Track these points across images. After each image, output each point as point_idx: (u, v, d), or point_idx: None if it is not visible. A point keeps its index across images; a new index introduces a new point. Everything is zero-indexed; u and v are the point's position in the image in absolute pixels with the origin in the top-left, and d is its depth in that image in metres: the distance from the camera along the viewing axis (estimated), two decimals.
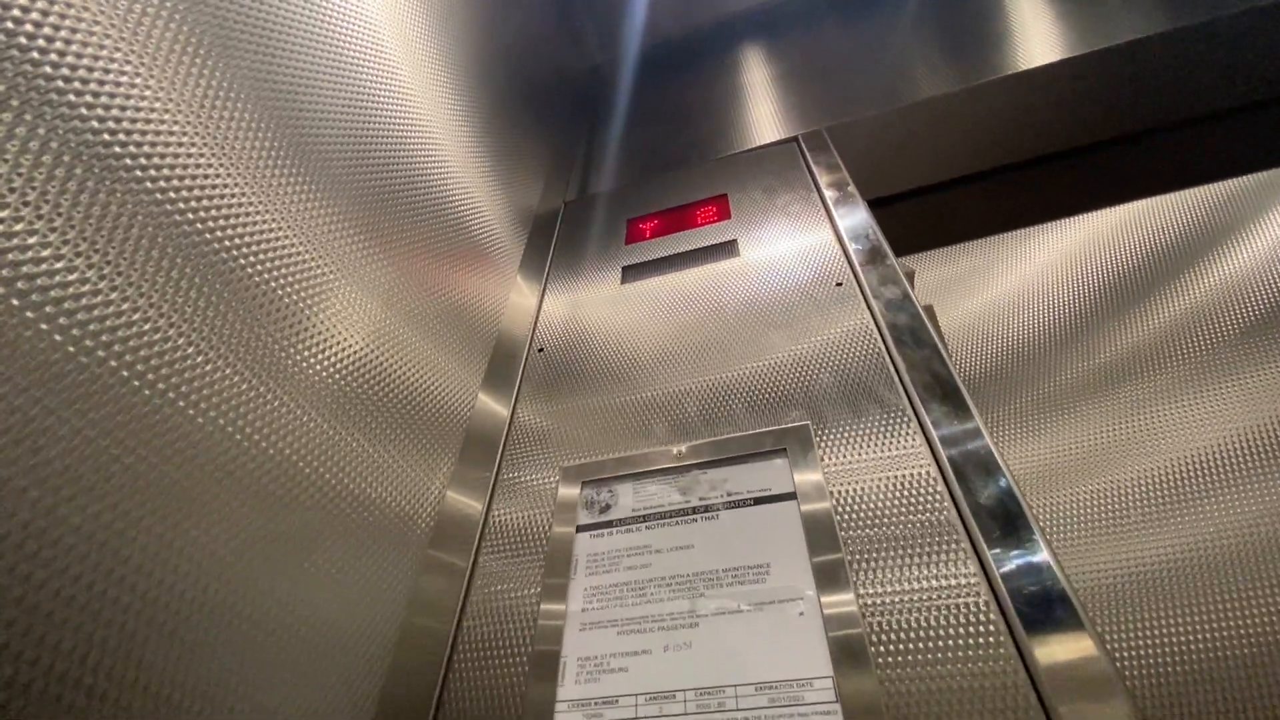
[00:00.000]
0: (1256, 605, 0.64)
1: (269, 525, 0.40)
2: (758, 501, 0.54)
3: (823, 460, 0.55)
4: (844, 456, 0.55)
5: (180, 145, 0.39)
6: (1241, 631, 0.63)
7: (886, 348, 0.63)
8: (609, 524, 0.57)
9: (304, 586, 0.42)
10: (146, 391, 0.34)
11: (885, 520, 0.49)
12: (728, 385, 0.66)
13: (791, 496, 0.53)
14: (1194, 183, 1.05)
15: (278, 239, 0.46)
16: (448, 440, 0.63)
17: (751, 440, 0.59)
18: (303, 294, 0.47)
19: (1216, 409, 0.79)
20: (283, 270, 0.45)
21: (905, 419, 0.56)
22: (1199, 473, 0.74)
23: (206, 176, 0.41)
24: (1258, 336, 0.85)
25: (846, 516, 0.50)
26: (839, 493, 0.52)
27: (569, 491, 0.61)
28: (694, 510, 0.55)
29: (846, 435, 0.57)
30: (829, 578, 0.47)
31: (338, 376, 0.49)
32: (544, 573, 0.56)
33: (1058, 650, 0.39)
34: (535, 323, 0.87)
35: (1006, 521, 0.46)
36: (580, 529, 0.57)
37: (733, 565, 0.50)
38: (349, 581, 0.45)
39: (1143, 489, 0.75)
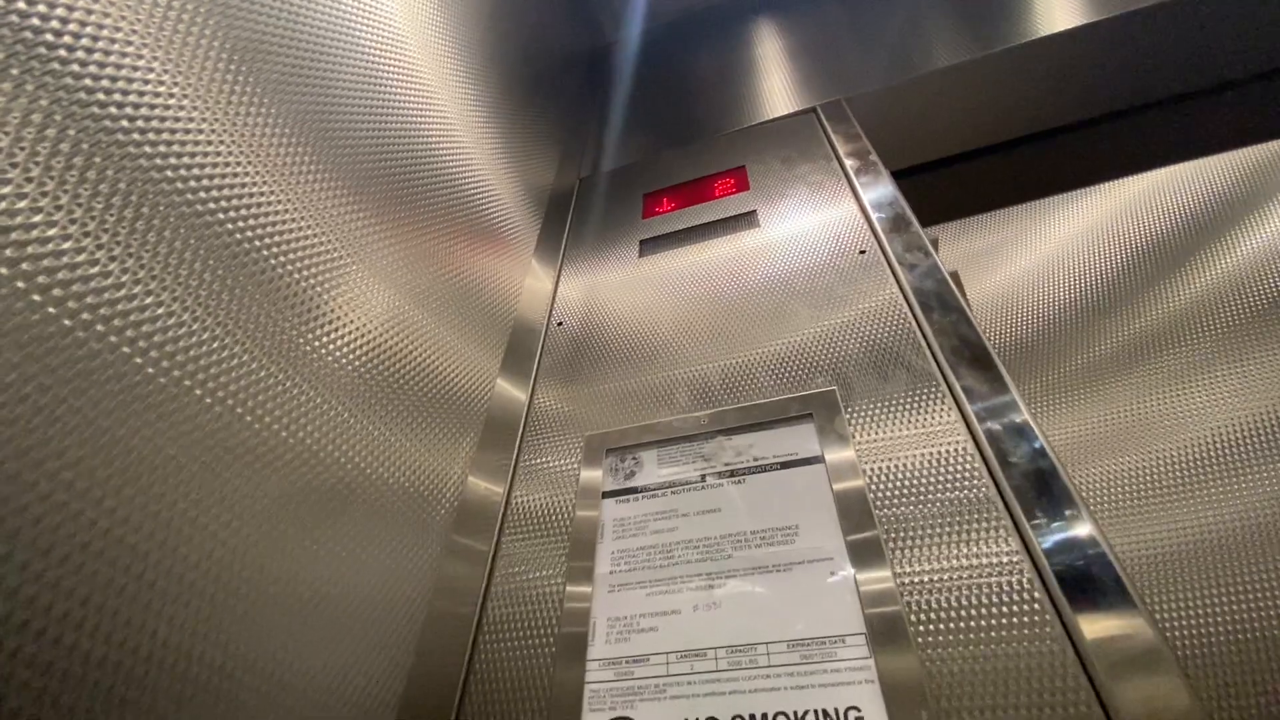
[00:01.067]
0: None
1: (291, 510, 0.40)
2: (784, 466, 0.53)
3: (854, 436, 0.54)
4: (876, 433, 0.53)
5: (192, 127, 0.39)
6: None
7: (913, 313, 0.62)
8: (634, 490, 0.57)
9: (330, 566, 0.42)
10: (162, 380, 0.33)
11: (922, 498, 0.48)
12: (751, 354, 0.66)
13: (819, 460, 0.53)
14: (1224, 148, 1.03)
15: (291, 222, 0.45)
16: (467, 425, 0.62)
17: (777, 406, 0.58)
18: (318, 278, 0.46)
19: (1254, 379, 0.77)
20: (297, 254, 0.45)
21: (936, 388, 0.55)
22: (1240, 444, 0.73)
23: (220, 159, 0.40)
24: None
25: (881, 494, 0.49)
26: (872, 470, 0.51)
27: (593, 459, 0.61)
28: (719, 475, 0.55)
29: (875, 405, 0.56)
30: (866, 555, 0.46)
31: (354, 362, 0.48)
32: (568, 555, 0.55)
33: (1106, 626, 0.38)
34: (553, 300, 0.87)
35: (1048, 496, 0.44)
36: (606, 495, 0.57)
37: (760, 528, 0.50)
38: (374, 565, 0.45)
39: (1184, 461, 0.74)
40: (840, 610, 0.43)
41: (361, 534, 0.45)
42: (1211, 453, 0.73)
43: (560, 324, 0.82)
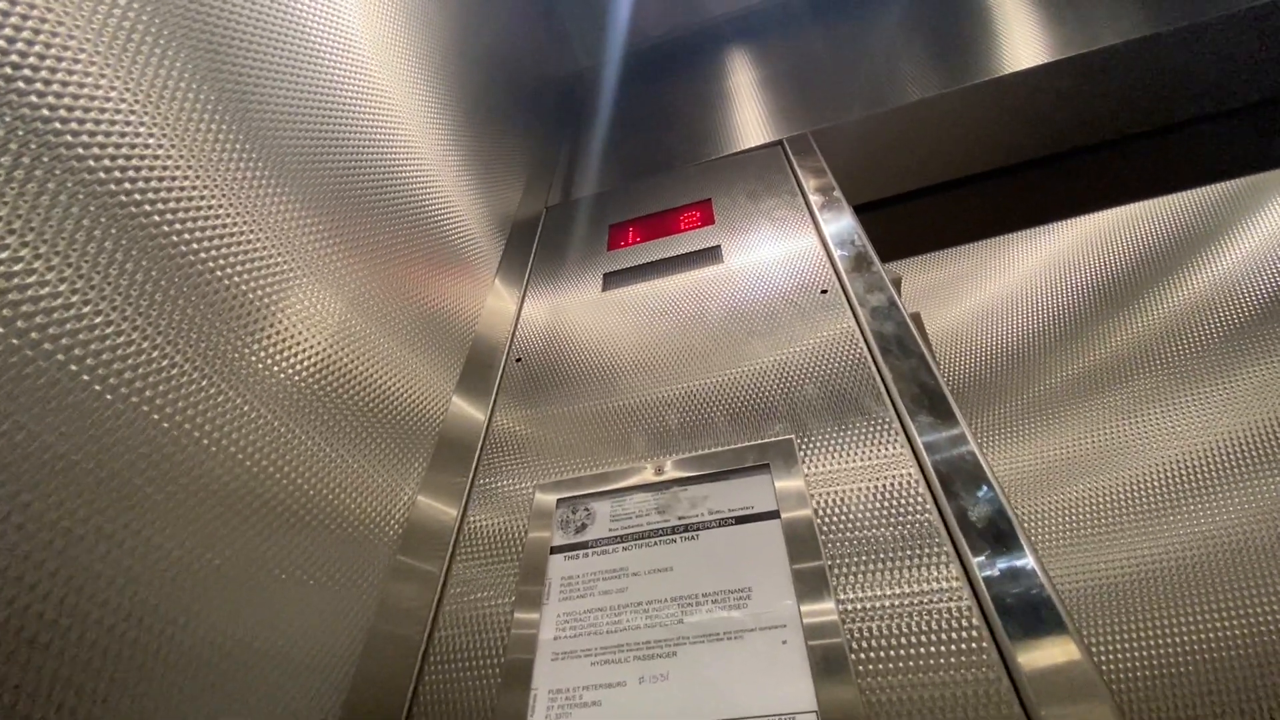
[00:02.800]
0: (1242, 609, 0.64)
1: (231, 529, 0.38)
2: (739, 520, 0.51)
3: (805, 470, 0.53)
4: (827, 464, 0.53)
5: (136, 135, 0.37)
6: (1226, 635, 0.63)
7: (873, 357, 0.61)
8: (584, 545, 0.54)
9: (265, 592, 0.40)
10: (102, 390, 0.32)
11: (867, 525, 0.48)
12: (709, 396, 0.64)
13: (774, 515, 0.51)
14: (1177, 188, 1.05)
15: (239, 233, 0.44)
16: (418, 445, 0.61)
17: (733, 455, 0.56)
18: (266, 291, 0.45)
19: (1201, 413, 0.78)
20: (245, 266, 0.44)
21: (891, 428, 0.54)
22: (1184, 477, 0.74)
23: (164, 167, 0.39)
24: (1241, 340, 0.84)
25: (828, 522, 0.49)
26: (820, 497, 0.51)
27: (544, 508, 0.58)
28: (673, 530, 0.53)
29: (830, 447, 0.55)
30: (809, 586, 0.46)
31: (300, 377, 0.47)
32: (518, 580, 0.54)
33: (1041, 655, 0.38)
34: (514, 330, 0.84)
35: (991, 527, 0.45)
36: (555, 550, 0.55)
37: (713, 589, 0.47)
38: (313, 587, 0.44)
39: (1128, 493, 0.75)
40: (791, 683, 0.41)
41: (303, 557, 0.43)
42: (1155, 485, 0.73)
43: (519, 360, 0.79)
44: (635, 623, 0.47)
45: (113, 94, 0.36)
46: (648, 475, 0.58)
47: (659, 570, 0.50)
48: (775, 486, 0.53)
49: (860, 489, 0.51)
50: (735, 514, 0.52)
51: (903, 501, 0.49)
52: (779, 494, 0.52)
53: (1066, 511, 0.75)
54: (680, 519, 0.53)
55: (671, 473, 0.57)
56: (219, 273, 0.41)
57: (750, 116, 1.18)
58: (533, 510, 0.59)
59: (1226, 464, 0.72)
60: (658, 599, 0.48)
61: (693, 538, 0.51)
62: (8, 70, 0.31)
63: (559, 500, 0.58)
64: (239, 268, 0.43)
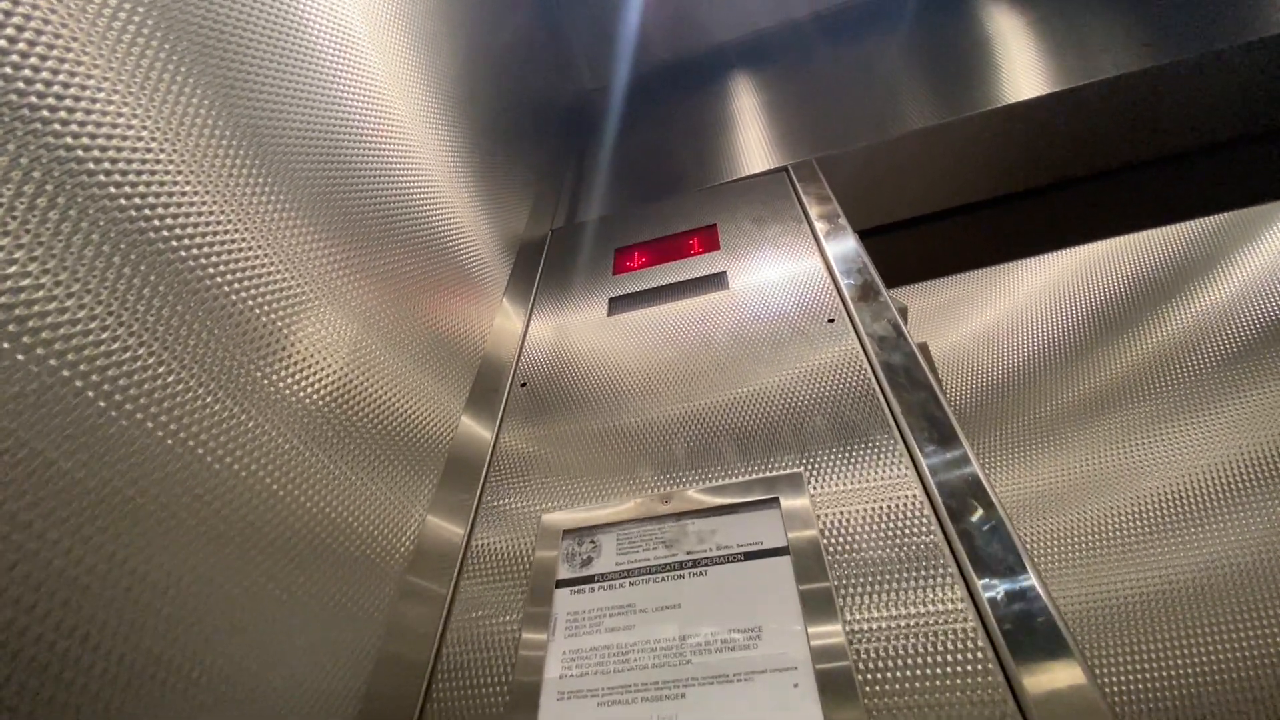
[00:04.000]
0: (1245, 633, 0.63)
1: (244, 551, 0.38)
2: (748, 556, 0.51)
3: (812, 491, 0.54)
4: (834, 487, 0.54)
5: (157, 164, 0.37)
6: (1229, 659, 0.62)
7: (881, 389, 0.61)
8: (591, 579, 0.53)
9: (277, 614, 0.39)
10: (115, 414, 0.32)
11: (873, 547, 0.49)
12: (716, 426, 0.64)
13: (784, 551, 0.50)
14: (1175, 219, 1.06)
15: (254, 258, 0.44)
16: (429, 464, 0.61)
17: (741, 488, 0.56)
18: (281, 315, 0.45)
19: (1201, 438, 0.78)
20: (260, 290, 0.44)
21: (899, 459, 0.54)
22: (1184, 501, 0.74)
23: (183, 193, 0.39)
24: (1239, 365, 0.85)
25: (834, 545, 0.49)
26: (827, 519, 0.51)
27: (551, 537, 0.58)
28: (681, 565, 0.52)
29: (839, 479, 0.54)
30: (816, 606, 0.46)
31: (318, 400, 0.47)
32: (526, 600, 0.54)
33: (1045, 678, 0.38)
34: (519, 354, 0.84)
35: (995, 548, 0.45)
36: (561, 584, 0.54)
37: (722, 629, 0.47)
38: (324, 609, 0.43)
39: (1130, 516, 0.75)
40: None
41: (317, 580, 0.43)
42: (1156, 508, 0.73)
43: (524, 385, 0.79)
44: (643, 662, 0.47)
45: (134, 123, 0.37)
46: (655, 507, 0.57)
47: (667, 607, 0.49)
48: (785, 521, 0.52)
49: (866, 511, 0.51)
50: (744, 549, 0.51)
51: (908, 524, 0.49)
52: (789, 529, 0.52)
53: (1068, 534, 0.75)
54: (688, 553, 0.53)
55: (679, 505, 0.57)
56: (233, 295, 0.41)
57: (755, 141, 1.19)
58: (539, 531, 0.59)
59: (1227, 489, 0.72)
60: (666, 638, 0.47)
61: (701, 573, 0.51)
62: (32, 99, 0.31)
63: (565, 531, 0.58)
64: (256, 293, 0.43)
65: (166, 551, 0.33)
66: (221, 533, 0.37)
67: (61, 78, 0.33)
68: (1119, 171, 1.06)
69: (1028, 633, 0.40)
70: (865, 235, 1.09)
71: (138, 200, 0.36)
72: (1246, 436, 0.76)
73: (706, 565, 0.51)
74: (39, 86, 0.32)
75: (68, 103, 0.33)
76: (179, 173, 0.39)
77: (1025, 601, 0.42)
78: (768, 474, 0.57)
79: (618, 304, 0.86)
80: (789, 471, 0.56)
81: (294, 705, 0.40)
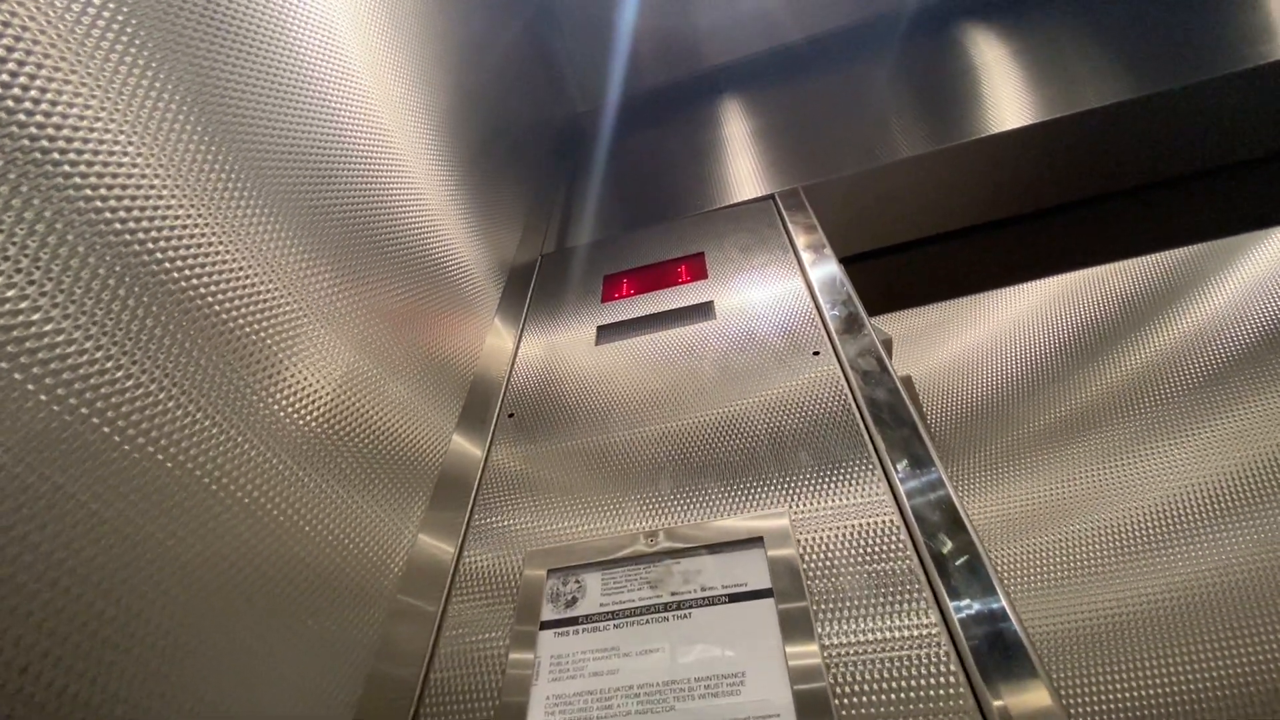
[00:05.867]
0: (1211, 656, 0.64)
1: (239, 573, 0.38)
2: (732, 599, 0.51)
3: (794, 525, 0.55)
4: (816, 521, 0.55)
5: (141, 178, 0.38)
6: (1198, 681, 0.63)
7: (864, 423, 0.62)
8: (574, 620, 0.53)
9: (269, 634, 0.39)
10: (109, 431, 0.32)
11: (849, 571, 0.50)
12: (703, 462, 0.64)
13: (768, 593, 0.50)
14: (1152, 249, 1.08)
15: (248, 279, 0.44)
16: (420, 484, 0.62)
17: (726, 529, 0.56)
18: (274, 336, 0.46)
19: (1173, 461, 0.80)
20: (254, 311, 0.44)
21: (880, 491, 0.55)
22: (1156, 524, 0.75)
23: (175, 214, 0.39)
24: (1212, 390, 0.86)
25: (814, 572, 0.51)
26: (809, 553, 0.52)
27: (534, 578, 0.58)
28: (665, 607, 0.52)
29: (822, 514, 0.55)
30: (794, 627, 0.47)
31: (311, 421, 0.47)
32: (514, 620, 0.54)
33: (1013, 700, 0.40)
34: (507, 381, 0.84)
35: (968, 572, 0.47)
36: (545, 625, 0.54)
37: (706, 674, 0.47)
38: (316, 630, 0.43)
39: (1102, 539, 0.76)
40: None
41: (309, 602, 0.43)
42: (1128, 532, 0.74)
43: (512, 415, 0.79)
44: (626, 708, 0.46)
45: (121, 140, 0.37)
46: (640, 546, 0.57)
47: (650, 651, 0.49)
48: (769, 563, 0.52)
49: (845, 539, 0.53)
50: (728, 591, 0.51)
51: (885, 551, 0.51)
52: (772, 569, 0.52)
53: (1043, 556, 0.76)
54: (673, 594, 0.53)
55: (664, 543, 0.57)
56: (226, 316, 0.42)
57: (744, 168, 1.20)
58: (525, 560, 0.59)
59: (1198, 511, 0.73)
60: (649, 683, 0.47)
61: (685, 616, 0.51)
62: (14, 129, 0.31)
63: (549, 570, 0.58)
64: (249, 313, 0.44)
65: (164, 579, 0.33)
66: (213, 556, 0.36)
67: (45, 104, 0.33)
68: (1100, 200, 1.08)
69: (998, 655, 0.42)
70: (851, 262, 1.11)
71: (122, 214, 0.36)
72: (1219, 460, 0.77)
73: (691, 607, 0.51)
74: (27, 104, 0.32)
75: (54, 120, 0.33)
76: (165, 187, 0.39)
77: (995, 624, 0.43)
78: (752, 513, 0.57)
79: (605, 332, 0.87)
80: (773, 512, 0.56)
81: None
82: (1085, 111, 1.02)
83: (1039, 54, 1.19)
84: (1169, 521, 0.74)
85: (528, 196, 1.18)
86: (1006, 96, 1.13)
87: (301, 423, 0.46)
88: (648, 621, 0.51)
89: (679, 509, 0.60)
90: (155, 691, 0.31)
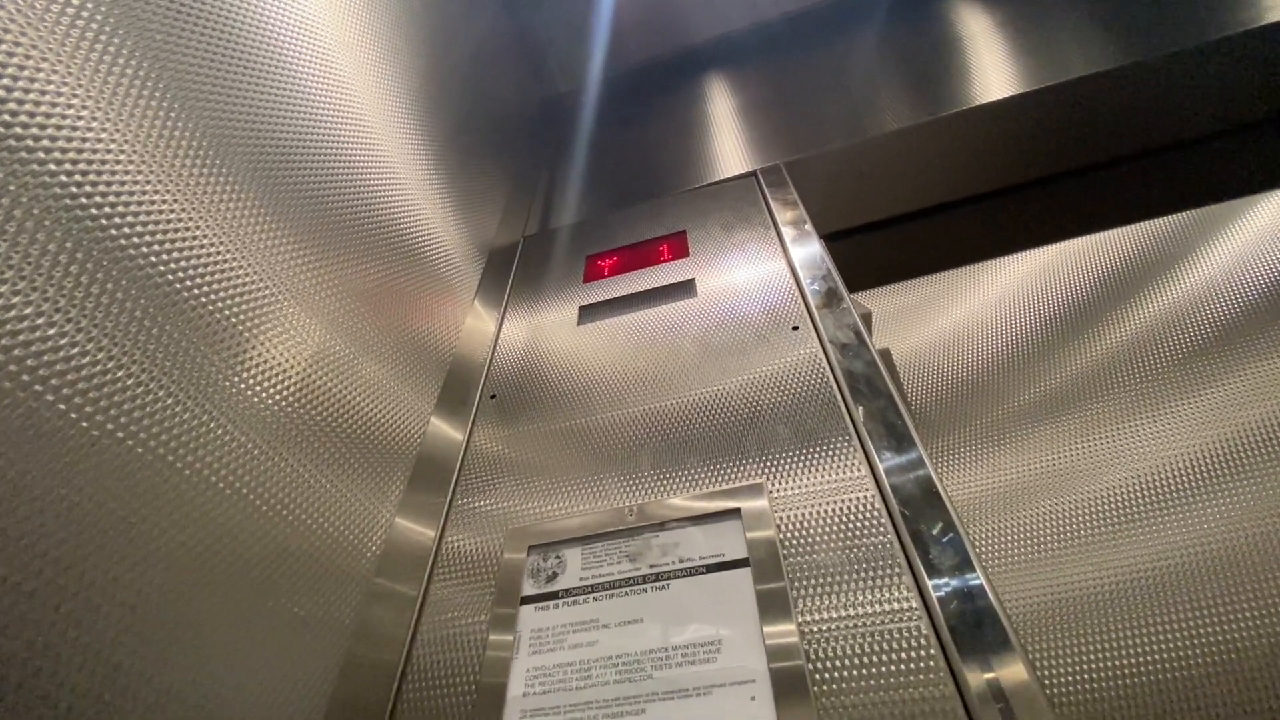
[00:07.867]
0: (1188, 628, 0.65)
1: (212, 554, 0.38)
2: (709, 569, 0.51)
3: (770, 492, 0.55)
4: (792, 488, 0.56)
5: (111, 158, 0.37)
6: (1176, 654, 0.64)
7: (842, 396, 0.62)
8: (555, 595, 0.54)
9: (242, 619, 0.39)
10: (75, 415, 0.32)
11: (828, 548, 0.50)
12: (683, 437, 0.64)
13: (745, 563, 0.51)
14: (1137, 218, 1.08)
15: (217, 255, 0.44)
16: (397, 466, 0.61)
17: (704, 499, 0.56)
18: (240, 311, 0.45)
19: (1155, 435, 0.80)
20: (223, 290, 0.44)
21: (856, 462, 0.56)
22: (1137, 498, 0.75)
23: (142, 190, 0.39)
24: (1196, 363, 0.87)
25: (791, 546, 0.51)
26: (785, 523, 0.53)
27: (516, 546, 0.58)
28: (644, 579, 0.52)
29: (798, 485, 0.56)
30: (772, 606, 0.47)
31: (281, 401, 0.47)
32: (494, 601, 0.55)
33: (989, 675, 0.40)
34: (489, 363, 0.84)
35: (945, 548, 0.47)
36: (525, 600, 0.54)
37: (683, 643, 0.47)
38: (289, 612, 0.43)
39: (1083, 514, 0.76)
40: None
41: (284, 584, 0.43)
42: (1106, 507, 0.75)
43: (494, 396, 0.79)
44: (605, 678, 0.47)
45: (94, 124, 0.36)
46: (620, 519, 0.58)
47: (630, 622, 0.50)
48: (745, 532, 0.53)
49: (822, 514, 0.53)
50: (705, 562, 0.52)
51: (863, 526, 0.51)
52: (749, 539, 0.52)
53: (1024, 532, 0.76)
54: (651, 567, 0.53)
55: (643, 517, 0.57)
56: (195, 293, 0.41)
57: (727, 145, 1.19)
58: (506, 540, 0.59)
59: (1177, 485, 0.74)
60: (628, 653, 0.48)
61: (663, 587, 0.51)
62: (6, 117, 0.30)
63: (530, 548, 0.58)
64: (216, 290, 0.43)
65: (133, 565, 0.33)
66: (185, 540, 0.36)
67: (32, 95, 0.32)
68: (1083, 172, 1.08)
69: (974, 631, 0.42)
70: (833, 238, 1.10)
71: (78, 179, 0.35)
72: (1200, 433, 0.78)
73: (669, 579, 0.52)
74: (11, 104, 0.31)
75: (28, 107, 0.33)
76: (122, 154, 0.38)
77: (973, 601, 0.44)
78: (730, 485, 0.57)
79: (588, 312, 0.87)
80: (750, 483, 0.56)
81: (265, 707, 0.40)
82: (1067, 81, 1.01)
83: (1023, 24, 1.18)
84: (1148, 496, 0.75)
85: (509, 179, 1.17)
86: (989, 67, 1.12)
87: (270, 401, 0.46)
88: (627, 594, 0.52)
89: (659, 485, 0.60)
90: (111, 682, 0.31)
